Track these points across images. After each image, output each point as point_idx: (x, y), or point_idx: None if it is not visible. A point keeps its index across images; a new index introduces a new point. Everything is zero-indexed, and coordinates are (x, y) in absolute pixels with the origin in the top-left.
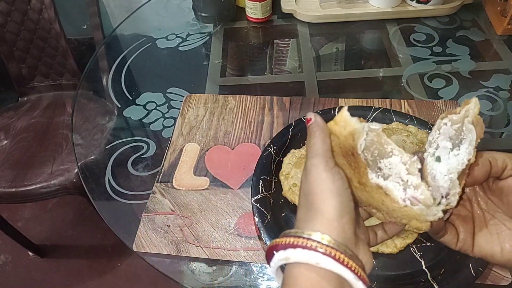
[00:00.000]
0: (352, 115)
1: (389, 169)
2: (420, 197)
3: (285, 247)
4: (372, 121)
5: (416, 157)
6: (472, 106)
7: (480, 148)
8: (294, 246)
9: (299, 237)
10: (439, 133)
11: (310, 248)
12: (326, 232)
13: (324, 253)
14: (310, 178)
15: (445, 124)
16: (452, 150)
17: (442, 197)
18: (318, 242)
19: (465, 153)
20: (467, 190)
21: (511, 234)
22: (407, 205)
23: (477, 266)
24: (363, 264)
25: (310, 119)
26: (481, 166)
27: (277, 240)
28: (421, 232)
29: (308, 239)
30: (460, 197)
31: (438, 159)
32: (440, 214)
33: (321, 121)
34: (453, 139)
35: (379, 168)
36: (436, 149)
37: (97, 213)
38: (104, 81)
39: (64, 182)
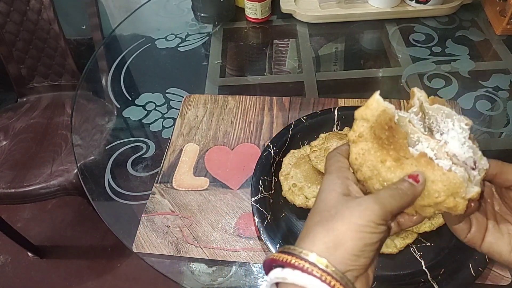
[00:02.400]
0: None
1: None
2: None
3: (284, 264)
4: None
5: (443, 141)
6: (418, 94)
7: (480, 148)
8: (293, 266)
9: (304, 260)
10: (422, 125)
11: (315, 276)
12: (339, 266)
13: (328, 284)
14: (324, 198)
15: (412, 119)
16: (445, 131)
17: (473, 169)
18: (329, 273)
19: (457, 122)
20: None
21: None
22: (451, 170)
23: (477, 266)
24: None
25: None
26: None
27: (276, 255)
28: (456, 213)
29: (322, 269)
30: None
31: (445, 142)
32: (478, 189)
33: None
34: (432, 125)
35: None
36: (436, 135)
37: (96, 213)
38: (103, 81)
39: (64, 182)
